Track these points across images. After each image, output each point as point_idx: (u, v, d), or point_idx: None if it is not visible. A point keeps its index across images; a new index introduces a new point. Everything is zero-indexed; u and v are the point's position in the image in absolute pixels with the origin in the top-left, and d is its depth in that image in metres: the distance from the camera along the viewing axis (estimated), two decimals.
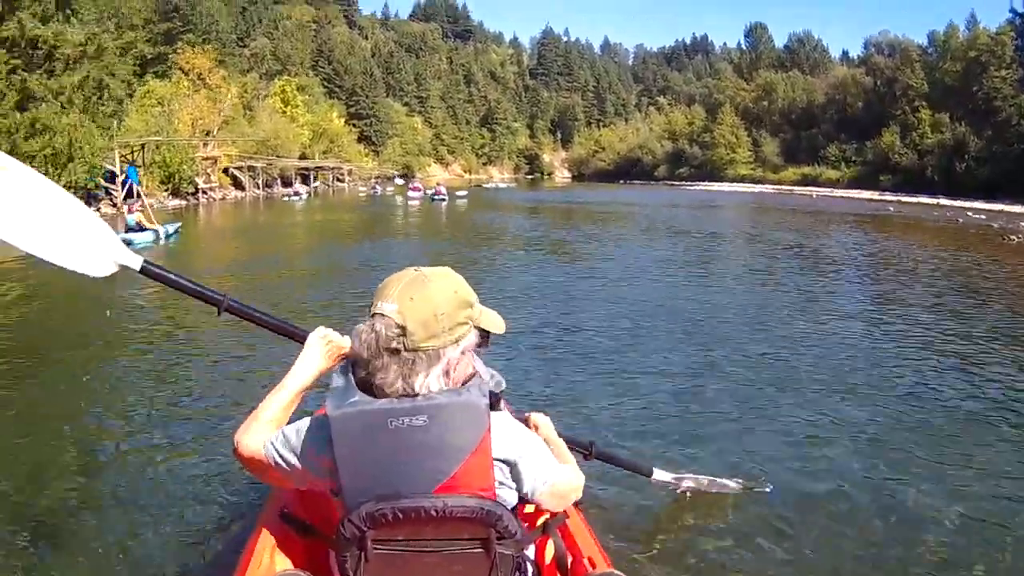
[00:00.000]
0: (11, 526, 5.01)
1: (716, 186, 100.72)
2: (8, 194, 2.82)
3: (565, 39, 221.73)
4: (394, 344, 2.21)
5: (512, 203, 60.21)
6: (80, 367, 9.20)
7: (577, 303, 13.69)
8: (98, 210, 36.80)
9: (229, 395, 7.80)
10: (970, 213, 49.29)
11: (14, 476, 5.82)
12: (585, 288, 15.45)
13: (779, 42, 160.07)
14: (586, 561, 2.89)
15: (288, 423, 2.55)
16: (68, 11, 40.43)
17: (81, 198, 19.92)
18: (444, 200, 56.49)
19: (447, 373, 2.29)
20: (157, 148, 48.72)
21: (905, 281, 17.90)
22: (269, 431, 2.53)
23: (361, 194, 74.68)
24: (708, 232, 31.62)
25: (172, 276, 3.13)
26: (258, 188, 64.60)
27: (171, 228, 27.13)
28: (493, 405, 2.34)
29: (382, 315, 2.24)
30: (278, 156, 72.45)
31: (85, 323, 12.22)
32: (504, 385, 2.71)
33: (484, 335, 2.43)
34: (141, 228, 25.14)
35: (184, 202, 48.77)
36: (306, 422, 2.44)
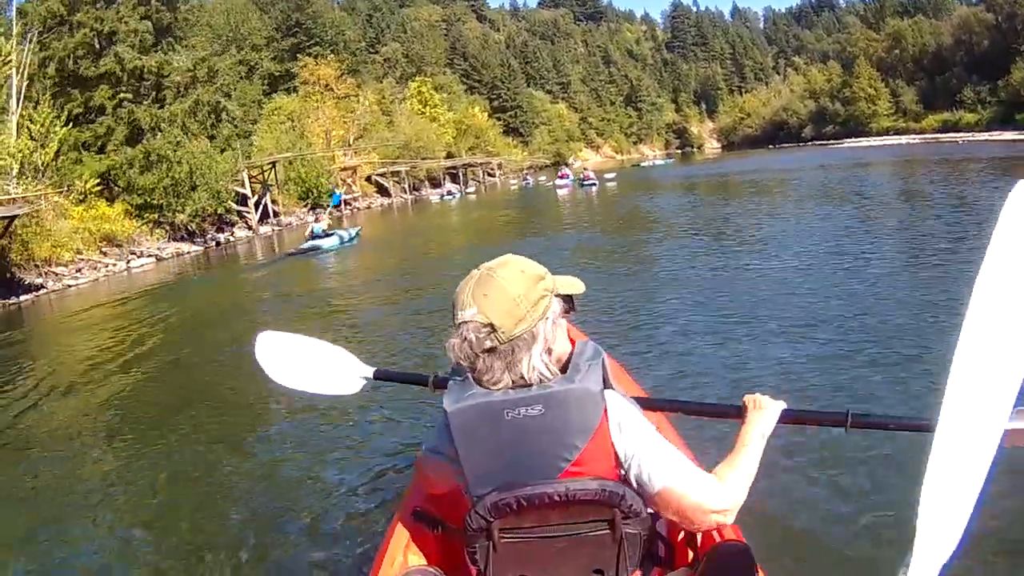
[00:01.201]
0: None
1: (864, 141, 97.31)
2: (281, 354, 3.72)
3: (695, 9, 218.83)
4: (488, 343, 2.19)
5: (663, 181, 56.66)
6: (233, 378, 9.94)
7: (729, 290, 12.19)
8: (232, 234, 36.58)
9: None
10: None
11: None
12: (740, 274, 13.71)
13: None
14: (715, 534, 2.74)
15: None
16: (171, 39, 38.34)
17: (212, 224, 35.29)
18: (595, 184, 53.90)
19: (548, 351, 2.27)
20: (291, 164, 46.01)
21: None
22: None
23: (513, 187, 73.31)
24: (868, 197, 27.65)
25: (396, 373, 4.00)
26: (405, 192, 62.06)
27: (352, 231, 30.10)
28: (605, 382, 2.27)
29: (466, 322, 2.21)
30: (422, 158, 70.02)
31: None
32: (603, 353, 2.35)
33: (568, 301, 2.40)
34: (327, 234, 28.28)
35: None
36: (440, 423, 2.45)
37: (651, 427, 2.35)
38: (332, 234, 28.29)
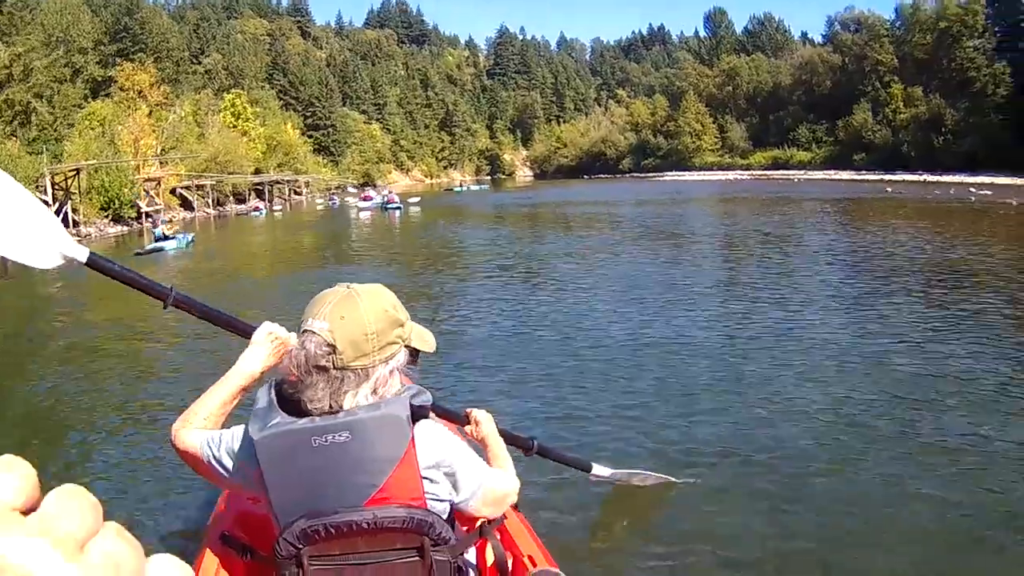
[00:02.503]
0: None
1: (686, 175, 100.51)
2: None
3: (521, 37, 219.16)
4: (323, 362, 2.19)
5: (470, 209, 57.47)
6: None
7: (533, 327, 12.61)
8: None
9: (173, 395, 7.82)
10: (973, 189, 47.07)
11: None
12: (544, 310, 14.07)
13: (739, 27, 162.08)
14: (526, 559, 2.94)
15: (226, 425, 2.58)
16: None
17: None
18: (398, 208, 54.72)
19: (375, 391, 2.28)
20: (95, 173, 45.71)
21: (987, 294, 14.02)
22: (208, 426, 2.56)
23: (319, 206, 72.84)
24: (686, 234, 28.44)
25: (118, 268, 3.05)
26: (209, 207, 62.12)
27: (188, 237, 33.74)
28: (416, 416, 2.30)
29: (312, 332, 2.21)
30: (229, 173, 69.81)
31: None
32: (431, 400, 2.40)
33: (414, 353, 2.43)
34: (167, 237, 32.10)
35: (126, 228, 45.93)
36: (241, 432, 2.38)
37: (459, 441, 2.47)
38: (173, 238, 32.25)
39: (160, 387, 9.45)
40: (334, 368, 2.21)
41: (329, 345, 2.19)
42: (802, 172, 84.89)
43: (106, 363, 10.93)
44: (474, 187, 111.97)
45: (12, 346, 13.18)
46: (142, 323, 13.23)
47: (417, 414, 2.32)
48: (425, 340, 2.46)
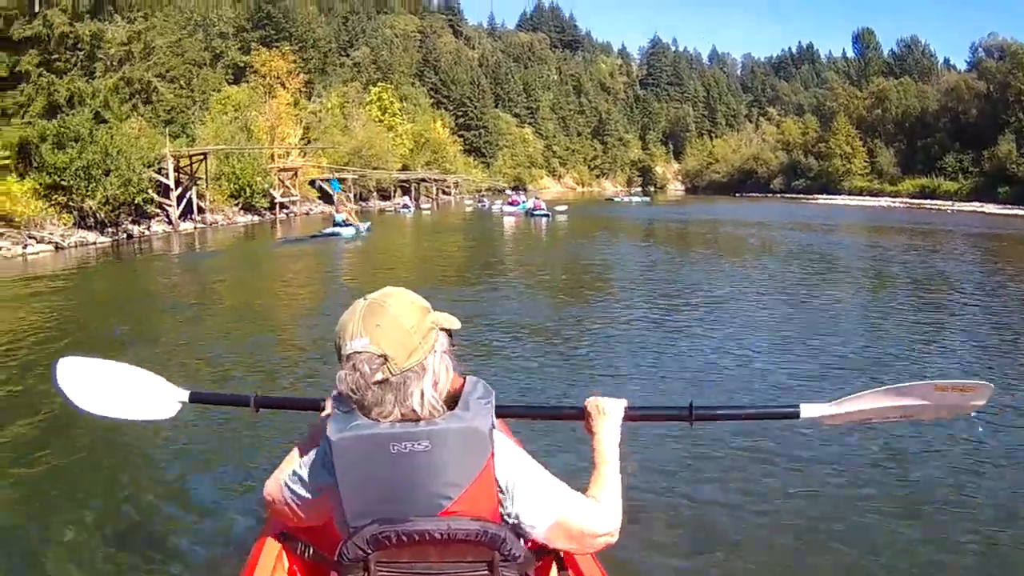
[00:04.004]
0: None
1: (837, 199, 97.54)
2: (85, 380, 3.40)
3: (674, 49, 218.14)
4: (380, 375, 2.19)
5: (618, 221, 54.13)
6: None
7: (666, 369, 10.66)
8: (148, 228, 33.38)
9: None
10: None
11: None
12: (693, 353, 11.81)
13: (885, 48, 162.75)
14: None
15: None
16: (111, 8, 35.80)
17: (128, 215, 32.59)
18: (546, 216, 51.93)
19: (435, 383, 2.27)
20: (226, 159, 43.18)
21: None
22: None
23: (468, 207, 71.68)
24: (844, 268, 24.41)
25: (214, 395, 4.08)
26: (350, 201, 58.49)
27: (364, 226, 36.17)
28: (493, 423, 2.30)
29: (357, 352, 2.20)
30: (373, 167, 67.53)
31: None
32: (493, 394, 2.39)
33: (449, 335, 2.40)
34: (346, 224, 34.61)
35: (257, 218, 42.96)
36: (312, 453, 2.43)
37: (535, 464, 2.38)
38: (351, 225, 34.81)
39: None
40: (393, 376, 2.19)
41: (380, 356, 2.18)
42: (949, 203, 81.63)
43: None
44: (635, 199, 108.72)
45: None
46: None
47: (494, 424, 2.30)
48: (450, 320, 2.40)
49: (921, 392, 3.27)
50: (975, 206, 75.53)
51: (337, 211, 37.96)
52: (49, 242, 26.85)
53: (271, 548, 2.88)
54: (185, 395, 3.38)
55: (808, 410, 3.86)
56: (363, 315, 2.22)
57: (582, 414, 2.87)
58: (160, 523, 5.56)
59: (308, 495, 2.41)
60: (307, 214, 50.01)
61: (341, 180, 59.53)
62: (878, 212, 71.82)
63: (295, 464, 2.50)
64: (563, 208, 60.93)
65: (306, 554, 2.69)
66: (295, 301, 16.61)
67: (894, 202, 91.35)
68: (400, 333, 2.20)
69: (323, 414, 2.81)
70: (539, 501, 2.32)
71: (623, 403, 2.81)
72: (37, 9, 32.20)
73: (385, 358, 2.16)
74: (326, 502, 2.34)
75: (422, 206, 68.59)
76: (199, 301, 16.26)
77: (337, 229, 33.74)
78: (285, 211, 46.55)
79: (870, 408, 3.46)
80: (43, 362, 9.86)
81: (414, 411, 2.20)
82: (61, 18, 32.14)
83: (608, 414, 2.77)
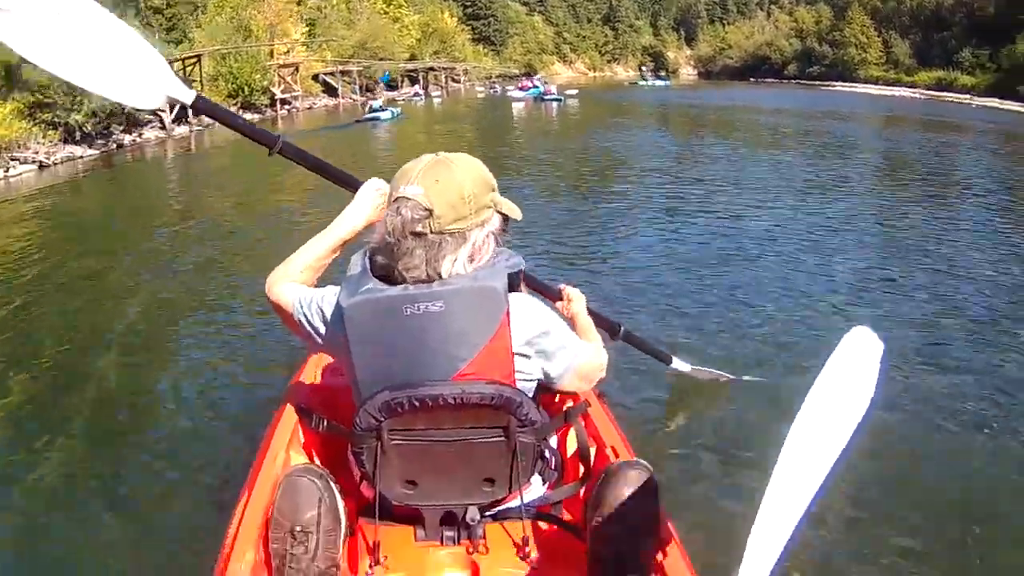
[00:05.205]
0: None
1: (856, 87, 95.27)
2: (51, 21, 2.63)
3: None
4: (419, 227, 2.16)
5: (631, 106, 52.77)
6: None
7: (683, 245, 11.45)
8: (140, 135, 32.06)
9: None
10: None
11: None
12: (704, 236, 12.14)
13: None
14: (609, 450, 2.87)
15: (319, 285, 2.58)
16: None
17: (119, 124, 30.71)
18: (557, 100, 51.82)
19: (471, 257, 2.24)
20: (223, 60, 42.04)
21: None
22: (304, 278, 2.60)
23: (479, 94, 71.51)
24: (871, 164, 23.21)
25: (227, 114, 3.29)
26: (356, 94, 57.78)
27: (399, 111, 40.60)
28: (512, 287, 2.26)
29: (407, 199, 2.18)
30: (380, 59, 65.98)
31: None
32: (523, 265, 2.36)
33: (505, 221, 2.37)
34: (383, 109, 38.61)
35: (258, 115, 41.61)
36: (333, 294, 2.36)
37: (553, 315, 2.42)
38: (387, 110, 38.84)
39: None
40: (431, 233, 2.16)
41: (426, 209, 2.15)
42: (968, 96, 79.54)
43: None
44: (659, 83, 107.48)
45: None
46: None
47: (511, 284, 2.25)
48: (512, 208, 2.36)
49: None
50: (996, 102, 73.36)
51: (374, 97, 44.02)
52: (33, 161, 24.87)
53: (287, 423, 2.89)
54: (189, 96, 2.99)
55: (677, 363, 5.41)
56: (426, 167, 2.20)
57: (560, 294, 3.21)
58: (176, 403, 5.73)
59: (321, 339, 2.43)
60: (310, 108, 48.90)
61: (344, 73, 58.66)
62: (899, 102, 70.54)
63: (316, 294, 2.46)
64: (574, 92, 60.18)
65: (321, 426, 2.63)
66: (282, 201, 15.96)
67: (913, 92, 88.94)
68: (454, 195, 2.16)
69: (359, 198, 2.73)
70: (563, 351, 2.38)
71: (582, 295, 3.17)
72: None
73: (430, 213, 2.13)
74: (337, 353, 2.39)
75: (432, 94, 67.54)
76: (191, 208, 15.64)
77: (376, 114, 37.48)
78: (287, 107, 45.55)
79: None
80: (17, 293, 9.26)
81: (440, 276, 2.17)
82: None
83: (579, 297, 3.16)
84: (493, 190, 2.28)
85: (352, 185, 2.98)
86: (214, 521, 3.32)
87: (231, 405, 5.63)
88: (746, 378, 5.88)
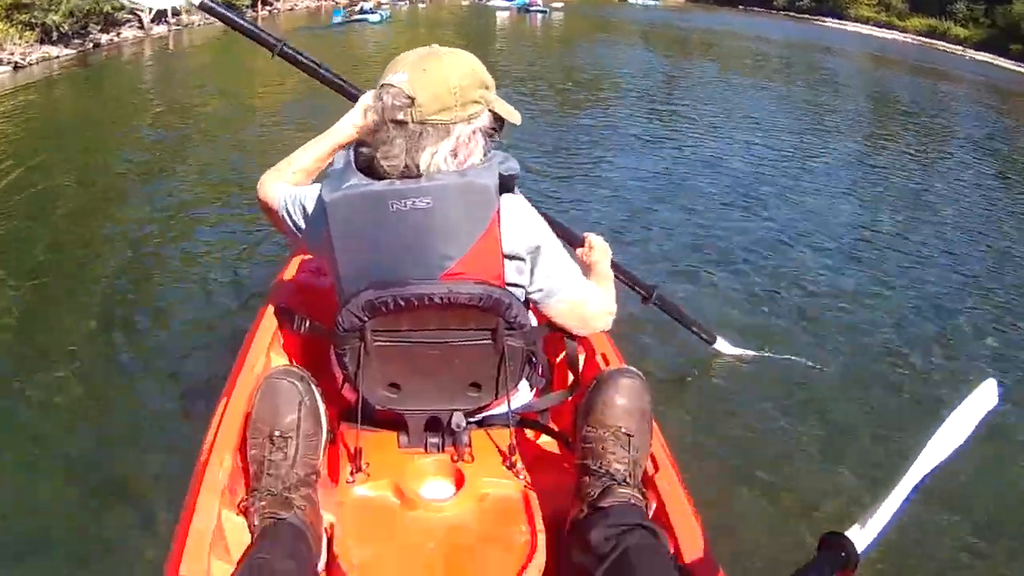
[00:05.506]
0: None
1: (846, 25, 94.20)
2: None
3: None
4: (400, 115, 2.10)
5: (618, 24, 51.34)
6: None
7: (663, 168, 11.37)
8: (118, 34, 30.89)
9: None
10: None
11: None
12: (680, 152, 12.52)
13: None
14: (599, 358, 2.82)
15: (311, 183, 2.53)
16: None
17: (97, 24, 28.46)
18: (542, 12, 50.34)
19: (455, 153, 2.16)
20: None
21: None
22: (296, 180, 2.55)
23: (464, 2, 67.95)
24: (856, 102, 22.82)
25: (231, 15, 3.31)
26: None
27: (388, 14, 40.87)
28: (505, 187, 2.20)
29: (391, 86, 2.13)
30: None
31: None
32: (518, 169, 2.26)
33: (499, 123, 2.29)
34: (373, 11, 38.54)
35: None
36: (317, 191, 2.30)
37: (551, 234, 2.32)
38: (376, 12, 38.75)
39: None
40: (412, 122, 2.10)
41: (408, 97, 2.09)
42: (960, 48, 79.49)
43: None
44: (650, 2, 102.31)
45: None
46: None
47: (504, 185, 2.19)
48: (511, 112, 2.30)
49: None
50: (989, 57, 73.45)
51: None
52: (8, 63, 23.83)
53: (268, 324, 2.83)
54: None
55: (722, 344, 5.00)
56: (418, 57, 2.17)
57: (583, 243, 2.90)
58: (155, 305, 5.66)
59: (301, 234, 2.39)
60: (291, 10, 47.62)
61: None
62: (890, 44, 71.00)
63: (300, 192, 2.40)
64: (560, 5, 58.51)
65: (303, 327, 2.55)
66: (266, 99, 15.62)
67: (905, 37, 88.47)
68: (440, 87, 2.10)
69: (358, 107, 2.55)
70: (551, 268, 2.28)
71: (609, 250, 2.87)
72: None
73: (412, 101, 2.08)
74: (321, 251, 2.30)
75: (418, 2, 65.37)
76: (170, 106, 14.98)
77: (366, 16, 37.98)
78: (268, 7, 44.24)
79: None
80: None
81: (419, 168, 2.11)
82: None
83: (604, 248, 2.85)
84: (486, 88, 2.22)
85: (351, 94, 2.94)
86: (192, 427, 3.25)
87: (211, 307, 5.54)
88: (769, 353, 5.43)
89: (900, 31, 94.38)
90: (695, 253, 7.79)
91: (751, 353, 5.28)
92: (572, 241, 3.03)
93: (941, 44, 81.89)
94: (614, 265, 2.95)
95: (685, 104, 17.84)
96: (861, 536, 1.87)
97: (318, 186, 2.30)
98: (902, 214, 10.07)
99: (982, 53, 75.05)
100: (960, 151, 15.69)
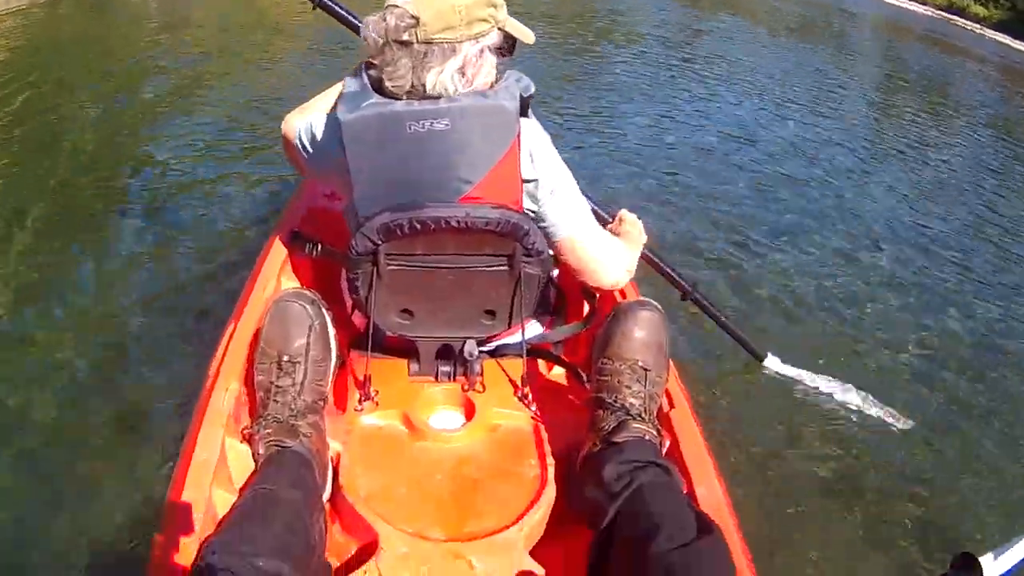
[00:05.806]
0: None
1: None
2: None
3: None
4: (405, 36, 2.04)
5: None
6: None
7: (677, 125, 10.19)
8: None
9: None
10: None
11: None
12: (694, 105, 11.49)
13: None
14: (617, 293, 2.69)
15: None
16: None
17: None
18: None
19: (463, 71, 2.09)
20: None
21: None
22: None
23: None
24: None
25: None
26: None
27: None
28: (522, 111, 2.11)
29: (395, 6, 2.06)
30: None
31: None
32: (533, 89, 2.18)
33: (510, 42, 2.23)
34: None
35: None
36: (329, 117, 2.26)
37: (567, 171, 2.27)
38: None
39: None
40: (417, 42, 2.03)
41: (412, 17, 2.02)
42: (978, 26, 78.52)
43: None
44: None
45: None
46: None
47: (523, 107, 2.10)
48: (524, 32, 2.23)
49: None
50: (1007, 39, 73.35)
51: None
52: None
53: (279, 249, 2.80)
54: None
55: (771, 362, 4.21)
56: None
57: (614, 218, 2.82)
58: (163, 226, 5.41)
59: (316, 162, 2.33)
60: None
61: None
62: (908, 14, 69.88)
63: (314, 118, 2.31)
64: None
65: (315, 252, 2.53)
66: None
67: (924, 9, 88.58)
68: (444, 4, 2.03)
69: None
70: (563, 205, 2.22)
71: (645, 238, 2.76)
72: None
73: (417, 21, 2.01)
74: (334, 176, 2.24)
75: None
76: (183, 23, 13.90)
77: None
78: None
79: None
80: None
81: (425, 88, 2.05)
82: None
83: (633, 223, 2.74)
84: (494, 6, 2.13)
85: (355, 25, 2.88)
86: (199, 352, 3.17)
87: (222, 232, 5.31)
88: (874, 410, 4.18)
89: (920, 3, 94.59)
90: (729, 236, 6.48)
91: (812, 377, 4.28)
92: (601, 216, 2.85)
93: (959, 20, 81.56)
94: (649, 253, 2.96)
95: (699, 58, 16.84)
96: (993, 567, 1.80)
97: (330, 112, 2.26)
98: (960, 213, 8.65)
99: (1000, 35, 74.97)
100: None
